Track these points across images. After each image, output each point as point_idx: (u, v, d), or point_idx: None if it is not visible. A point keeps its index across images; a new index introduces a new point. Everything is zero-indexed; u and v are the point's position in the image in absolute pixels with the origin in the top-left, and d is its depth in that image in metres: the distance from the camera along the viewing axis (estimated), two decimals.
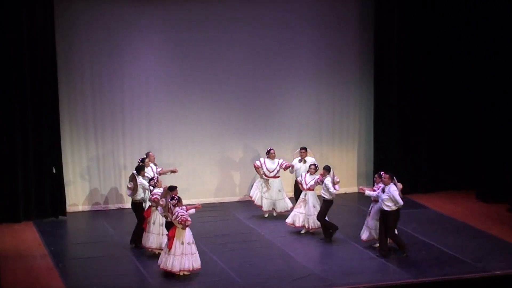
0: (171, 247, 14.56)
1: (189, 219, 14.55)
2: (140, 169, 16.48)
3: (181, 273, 14.66)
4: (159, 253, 15.12)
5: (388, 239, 15.72)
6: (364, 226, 16.24)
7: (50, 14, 18.03)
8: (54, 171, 18.40)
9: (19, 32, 17.80)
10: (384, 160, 20.07)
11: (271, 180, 18.23)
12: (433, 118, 20.36)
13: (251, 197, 18.44)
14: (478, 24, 19.53)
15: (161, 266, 14.75)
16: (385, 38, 19.84)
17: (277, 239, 16.67)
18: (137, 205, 16.37)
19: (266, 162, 18.29)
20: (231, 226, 17.48)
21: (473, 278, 14.56)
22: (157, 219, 15.60)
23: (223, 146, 19.88)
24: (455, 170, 20.64)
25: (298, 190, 17.79)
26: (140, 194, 16.27)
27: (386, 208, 15.49)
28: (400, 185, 15.74)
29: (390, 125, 20.09)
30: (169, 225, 14.95)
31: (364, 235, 16.16)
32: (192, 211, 14.92)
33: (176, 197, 14.88)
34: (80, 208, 19.09)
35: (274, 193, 18.24)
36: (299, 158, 18.30)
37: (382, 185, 15.75)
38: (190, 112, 19.62)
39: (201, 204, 16.10)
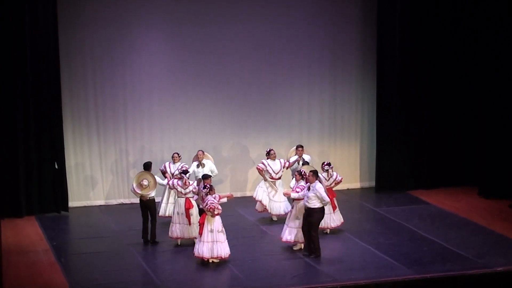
0: (201, 234, 14.87)
1: (218, 207, 14.87)
2: (148, 166, 16.70)
3: (211, 261, 14.93)
4: (212, 261, 15.11)
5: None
6: (285, 226, 15.87)
7: (52, 11, 18.05)
8: (56, 166, 18.44)
9: (22, 29, 17.83)
10: (386, 157, 20.07)
11: (277, 182, 17.89)
12: (435, 114, 20.35)
13: (260, 201, 17.73)
14: (481, 21, 19.49)
15: (195, 254, 15.04)
16: (387, 35, 19.80)
17: (279, 234, 16.67)
18: (150, 202, 16.39)
19: (269, 163, 17.80)
20: (233, 222, 17.47)
21: (475, 274, 14.55)
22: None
23: (224, 142, 19.89)
24: (457, 166, 20.63)
25: None
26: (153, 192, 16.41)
27: (311, 206, 15.22)
28: (325, 183, 15.84)
29: (392, 121, 20.07)
30: (202, 212, 15.31)
31: (285, 236, 15.80)
32: (224, 200, 15.30)
33: (208, 186, 15.21)
34: (82, 203, 19.11)
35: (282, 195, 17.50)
36: (296, 156, 18.11)
37: (303, 183, 15.55)
38: (192, 108, 19.63)
39: None
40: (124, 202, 19.13)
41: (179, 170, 16.64)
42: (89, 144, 19.13)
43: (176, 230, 16.12)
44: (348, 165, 20.44)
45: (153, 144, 19.42)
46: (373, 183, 20.46)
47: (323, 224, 16.28)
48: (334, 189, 16.98)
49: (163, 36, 19.35)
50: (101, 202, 19.25)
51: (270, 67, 19.95)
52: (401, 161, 20.11)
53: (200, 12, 19.32)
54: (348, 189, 20.09)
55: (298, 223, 15.61)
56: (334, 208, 16.78)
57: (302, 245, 15.67)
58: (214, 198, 15.01)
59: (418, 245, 16.09)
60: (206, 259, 14.95)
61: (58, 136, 18.42)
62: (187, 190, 16.02)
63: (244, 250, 15.88)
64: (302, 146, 18.24)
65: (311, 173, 15.44)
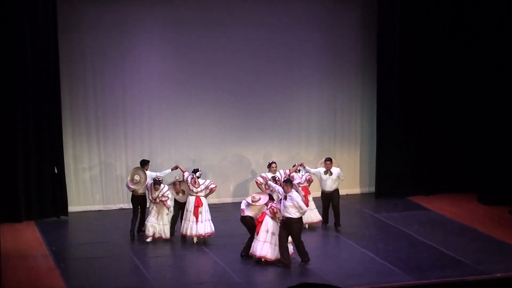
0: (258, 232, 15.22)
1: (279, 211, 15.17)
2: (144, 163, 17.30)
3: (263, 259, 15.21)
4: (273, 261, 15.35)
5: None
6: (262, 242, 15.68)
7: (52, 15, 18.04)
8: (56, 170, 18.42)
9: (21, 33, 17.81)
10: (386, 162, 20.07)
11: None
12: (436, 120, 20.35)
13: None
14: (480, 25, 19.51)
15: (250, 252, 15.40)
16: (387, 40, 19.81)
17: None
18: (141, 198, 17.11)
19: (268, 176, 17.20)
20: (232, 227, 17.47)
21: (474, 281, 14.51)
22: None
23: (225, 147, 19.89)
24: (457, 172, 20.62)
25: (326, 200, 17.42)
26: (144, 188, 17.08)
27: (289, 215, 15.01)
28: (302, 192, 15.73)
29: (392, 126, 20.06)
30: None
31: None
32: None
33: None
34: (82, 208, 19.10)
35: None
36: (325, 169, 17.43)
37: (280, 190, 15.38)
38: (192, 113, 19.63)
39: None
40: (123, 207, 19.10)
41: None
42: (88, 149, 19.13)
43: (185, 227, 16.62)
44: (348, 170, 20.40)
45: (153, 148, 19.41)
46: (373, 189, 20.46)
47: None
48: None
49: (164, 42, 19.35)
50: (100, 207, 19.24)
51: (270, 72, 19.95)
52: (401, 167, 20.10)
53: (200, 18, 19.32)
54: (347, 194, 20.09)
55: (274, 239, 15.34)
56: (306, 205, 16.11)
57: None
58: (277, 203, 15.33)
59: (417, 251, 16.09)
60: (257, 258, 15.24)
61: (58, 140, 18.41)
62: (198, 189, 16.62)
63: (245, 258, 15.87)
64: (330, 159, 17.52)
65: (285, 182, 15.32)
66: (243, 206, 15.80)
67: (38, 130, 18.20)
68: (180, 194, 16.91)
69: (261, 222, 15.32)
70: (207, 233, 16.68)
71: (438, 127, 20.40)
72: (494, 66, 19.21)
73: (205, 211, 16.73)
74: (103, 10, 18.85)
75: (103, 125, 19.14)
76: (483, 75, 19.51)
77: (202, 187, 16.76)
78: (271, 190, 15.90)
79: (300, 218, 15.18)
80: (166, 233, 16.70)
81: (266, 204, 15.55)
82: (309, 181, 17.59)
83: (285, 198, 15.06)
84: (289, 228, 15.08)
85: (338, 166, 17.71)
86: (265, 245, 15.24)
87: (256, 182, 17.50)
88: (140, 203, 17.17)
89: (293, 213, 14.99)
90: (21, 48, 17.86)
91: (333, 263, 15.68)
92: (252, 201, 15.63)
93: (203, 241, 16.61)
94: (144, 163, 17.33)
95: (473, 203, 19.62)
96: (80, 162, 19.13)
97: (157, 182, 16.62)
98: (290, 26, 19.87)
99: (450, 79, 20.28)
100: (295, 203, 14.95)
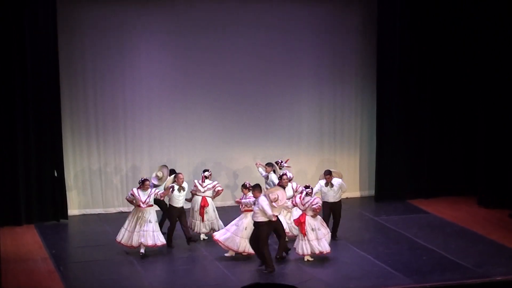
0: (305, 233, 15.53)
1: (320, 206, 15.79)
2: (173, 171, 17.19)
3: (306, 259, 15.57)
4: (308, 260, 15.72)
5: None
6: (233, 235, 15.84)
7: (52, 17, 18.06)
8: (56, 174, 18.43)
9: (21, 35, 17.82)
10: (386, 165, 20.06)
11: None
12: (435, 123, 20.34)
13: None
14: (480, 28, 19.50)
15: (299, 253, 15.65)
16: (387, 41, 19.80)
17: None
18: (180, 210, 16.75)
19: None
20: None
21: (474, 284, 14.46)
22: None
23: (224, 149, 19.87)
24: (457, 175, 20.61)
25: (327, 208, 16.94)
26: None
27: (256, 220, 15.15)
28: (275, 195, 15.24)
29: (392, 130, 20.06)
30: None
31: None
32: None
33: (311, 188, 16.02)
34: (82, 211, 19.10)
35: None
36: (325, 181, 17.03)
37: (251, 196, 15.52)
38: (192, 115, 19.63)
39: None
40: (123, 211, 19.08)
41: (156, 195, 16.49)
42: (88, 152, 19.12)
43: (192, 224, 16.89)
44: (348, 174, 20.38)
45: (153, 150, 19.40)
46: (372, 192, 20.45)
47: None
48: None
49: (164, 44, 19.35)
50: (100, 210, 19.22)
51: (270, 76, 19.95)
52: (401, 170, 20.09)
53: (200, 21, 19.33)
54: (347, 197, 20.06)
55: (241, 232, 15.67)
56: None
57: (234, 253, 15.78)
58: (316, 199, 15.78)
59: (417, 254, 16.09)
60: (304, 256, 15.55)
61: (58, 144, 18.41)
62: (205, 189, 16.99)
63: (243, 259, 15.86)
64: (330, 173, 16.99)
65: (253, 187, 15.47)
66: (267, 208, 15.09)
67: (38, 133, 18.20)
68: (182, 191, 16.66)
69: (304, 222, 15.59)
70: (208, 232, 16.93)
71: (438, 129, 20.39)
72: (494, 67, 19.20)
73: (211, 211, 16.98)
74: (103, 11, 18.86)
75: (103, 128, 19.14)
76: (483, 75, 19.49)
77: (209, 186, 17.01)
78: (249, 206, 15.69)
79: (269, 222, 15.14)
80: (161, 239, 16.20)
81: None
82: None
83: (254, 203, 15.28)
84: (258, 231, 15.13)
85: (340, 177, 17.26)
86: (316, 243, 15.57)
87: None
88: (180, 215, 16.61)
89: (260, 218, 15.09)
90: (21, 49, 17.87)
91: (333, 266, 15.67)
92: (273, 201, 15.31)
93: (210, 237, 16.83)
94: (174, 171, 17.27)
95: (473, 206, 19.61)
96: (80, 166, 19.13)
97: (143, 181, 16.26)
98: (290, 28, 19.87)
99: (450, 79, 20.26)
100: (261, 207, 15.04)
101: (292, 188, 16.79)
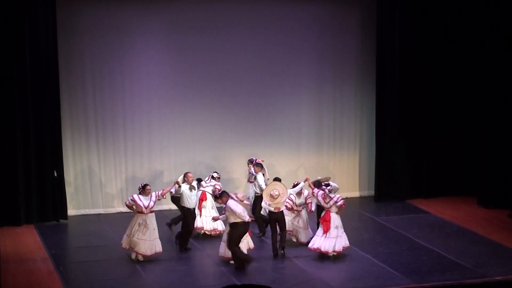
0: (327, 230, 15.67)
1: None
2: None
3: (331, 254, 15.74)
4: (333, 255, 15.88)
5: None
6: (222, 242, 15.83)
7: (52, 18, 18.07)
8: (56, 174, 18.43)
9: (21, 36, 17.83)
10: (386, 165, 20.06)
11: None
12: (435, 123, 20.34)
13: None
14: (480, 28, 19.50)
15: (315, 247, 15.77)
16: (387, 44, 19.81)
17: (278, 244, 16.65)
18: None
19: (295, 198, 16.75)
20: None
21: (474, 284, 14.50)
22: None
23: (224, 149, 19.87)
24: (456, 175, 20.62)
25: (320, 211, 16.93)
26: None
27: (230, 221, 15.30)
28: (240, 195, 15.58)
29: (391, 130, 20.06)
30: (320, 210, 16.30)
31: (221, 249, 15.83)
32: None
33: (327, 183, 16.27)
34: (81, 211, 19.10)
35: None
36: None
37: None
38: (192, 116, 19.63)
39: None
40: (123, 211, 19.08)
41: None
42: (88, 152, 19.12)
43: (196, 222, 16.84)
44: (347, 174, 20.44)
45: (152, 151, 19.41)
46: (372, 192, 20.45)
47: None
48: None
49: (163, 44, 19.36)
50: (100, 210, 19.23)
51: (270, 77, 19.95)
52: (400, 170, 20.09)
53: (200, 21, 19.33)
54: (347, 198, 20.03)
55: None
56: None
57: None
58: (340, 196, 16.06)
59: (417, 254, 16.09)
60: (327, 253, 15.69)
61: (57, 144, 18.41)
62: (207, 184, 17.19)
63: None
64: (320, 184, 16.55)
65: (219, 195, 15.75)
66: (235, 208, 15.27)
67: (37, 134, 18.21)
68: (193, 190, 16.61)
69: (329, 220, 15.76)
70: (210, 229, 16.96)
71: (437, 129, 20.39)
72: (495, 67, 19.19)
73: (209, 207, 17.08)
74: (103, 13, 18.86)
75: (102, 129, 19.14)
76: (484, 76, 19.49)
77: (212, 183, 17.30)
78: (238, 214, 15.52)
79: (244, 222, 15.20)
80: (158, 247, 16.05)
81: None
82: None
83: (225, 209, 15.42)
84: (232, 230, 15.20)
85: (328, 179, 17.09)
86: (337, 240, 15.75)
87: (286, 207, 16.69)
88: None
89: (232, 219, 15.19)
90: (21, 50, 17.88)
91: (333, 266, 15.66)
92: (275, 197, 15.92)
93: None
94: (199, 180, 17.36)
95: (472, 206, 19.61)
96: (80, 166, 19.12)
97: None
98: (290, 28, 19.87)
99: (449, 79, 20.26)
100: (229, 209, 15.15)
101: (304, 195, 16.72)
